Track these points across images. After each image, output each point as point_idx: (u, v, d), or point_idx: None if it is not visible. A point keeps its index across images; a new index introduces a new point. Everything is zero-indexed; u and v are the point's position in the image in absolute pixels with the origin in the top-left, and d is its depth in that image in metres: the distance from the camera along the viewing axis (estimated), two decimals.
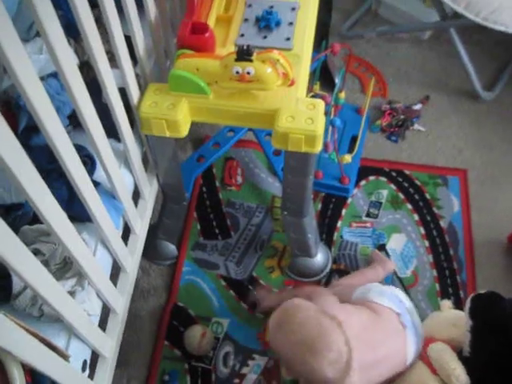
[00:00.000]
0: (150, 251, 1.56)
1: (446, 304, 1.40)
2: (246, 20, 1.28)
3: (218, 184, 1.70)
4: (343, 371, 1.06)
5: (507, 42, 1.98)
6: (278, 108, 1.12)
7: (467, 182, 1.69)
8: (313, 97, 1.63)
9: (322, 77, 1.77)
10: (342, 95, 1.74)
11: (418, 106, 1.84)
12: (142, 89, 1.21)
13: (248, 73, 1.07)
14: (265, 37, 1.25)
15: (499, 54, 1.99)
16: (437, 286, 1.51)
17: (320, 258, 1.51)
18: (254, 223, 1.62)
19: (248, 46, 1.07)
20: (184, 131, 1.17)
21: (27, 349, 0.78)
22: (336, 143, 1.53)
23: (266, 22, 1.26)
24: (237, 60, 1.07)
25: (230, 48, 1.23)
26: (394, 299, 1.25)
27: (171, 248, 1.55)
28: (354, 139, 1.72)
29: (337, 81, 1.52)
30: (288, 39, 1.24)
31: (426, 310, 1.47)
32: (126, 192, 1.17)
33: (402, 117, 1.80)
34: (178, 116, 1.13)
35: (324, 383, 1.06)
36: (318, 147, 1.13)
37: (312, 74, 1.70)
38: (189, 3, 1.20)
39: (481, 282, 1.52)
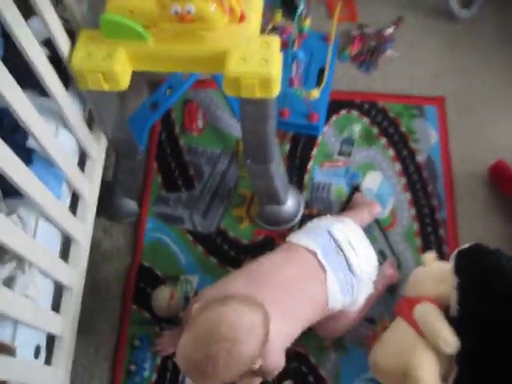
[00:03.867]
0: (109, 210, 1.46)
1: (430, 257, 1.28)
2: None
3: (177, 130, 1.57)
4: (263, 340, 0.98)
5: None
6: (227, 49, 0.99)
7: (445, 112, 1.57)
8: (273, 29, 1.48)
9: (284, 4, 1.61)
10: (307, 23, 1.59)
11: (390, 30, 1.69)
12: (75, 37, 1.06)
13: (188, 12, 0.93)
14: None
15: None
16: (415, 225, 1.43)
17: (291, 203, 1.42)
18: (219, 170, 1.51)
19: None
20: (124, 83, 1.03)
21: None
22: (300, 78, 1.40)
23: None
24: None
25: None
26: (317, 237, 1.18)
27: (131, 204, 1.45)
28: (322, 71, 1.58)
29: (300, 4, 1.36)
30: None
31: (405, 252, 1.40)
32: (66, 156, 1.05)
33: (373, 43, 1.66)
34: (115, 67, 0.99)
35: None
36: (275, 91, 1.01)
37: (272, 1, 1.54)
38: None
39: (461, 219, 1.44)
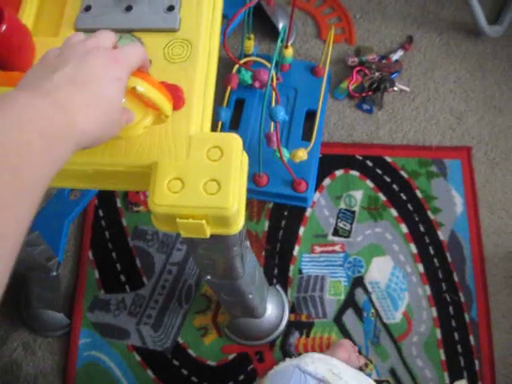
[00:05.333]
0: (30, 321, 1.09)
1: None
2: None
3: (119, 204, 1.18)
4: None
5: None
6: (154, 161, 0.60)
7: (472, 167, 1.20)
8: (245, 65, 1.08)
9: (258, 24, 1.22)
10: (289, 51, 1.20)
11: (398, 55, 1.30)
12: None
13: None
14: (128, 8, 0.69)
15: None
16: (437, 332, 1.08)
17: (271, 310, 1.05)
18: (175, 261, 1.13)
19: None
20: None
21: None
22: (279, 141, 1.01)
23: None
24: None
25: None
26: (285, 380, 0.82)
27: (57, 317, 1.07)
28: (310, 115, 1.20)
29: (280, 32, 0.96)
30: (171, 9, 0.68)
31: (424, 370, 1.05)
32: None
33: (376, 74, 1.27)
34: None
35: None
36: (237, 226, 0.62)
37: (241, 25, 1.15)
38: None
39: (498, 319, 1.09)
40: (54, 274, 0.95)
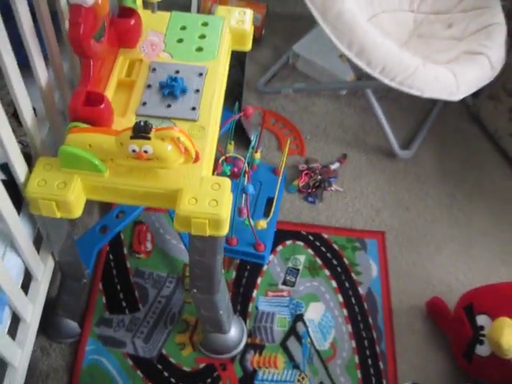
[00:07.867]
0: (49, 329, 1.42)
1: None
2: (149, 86, 1.19)
3: (125, 251, 1.58)
4: None
5: (424, 99, 1.99)
6: (181, 188, 1.04)
7: (385, 245, 1.66)
8: (226, 160, 1.57)
9: (237, 135, 1.71)
10: (258, 155, 1.69)
11: (335, 166, 1.81)
12: (33, 161, 1.09)
13: (146, 151, 0.98)
14: (169, 105, 1.17)
15: (416, 110, 2.00)
16: (356, 357, 1.46)
17: (234, 332, 1.42)
18: (164, 295, 1.51)
19: (145, 122, 0.99)
20: (77, 212, 1.06)
21: None
22: (249, 211, 1.46)
23: (170, 90, 1.18)
24: (133, 137, 0.98)
25: (131, 118, 1.14)
26: None
27: (72, 326, 1.41)
28: (270, 201, 1.66)
29: (252, 141, 1.46)
30: (193, 109, 1.16)
31: None
32: (11, 281, 1.04)
33: (319, 177, 1.77)
34: (69, 197, 1.02)
35: None
36: (225, 230, 1.06)
37: (226, 134, 1.64)
38: (84, 69, 1.10)
39: (400, 351, 1.48)
40: (85, 281, 1.32)
